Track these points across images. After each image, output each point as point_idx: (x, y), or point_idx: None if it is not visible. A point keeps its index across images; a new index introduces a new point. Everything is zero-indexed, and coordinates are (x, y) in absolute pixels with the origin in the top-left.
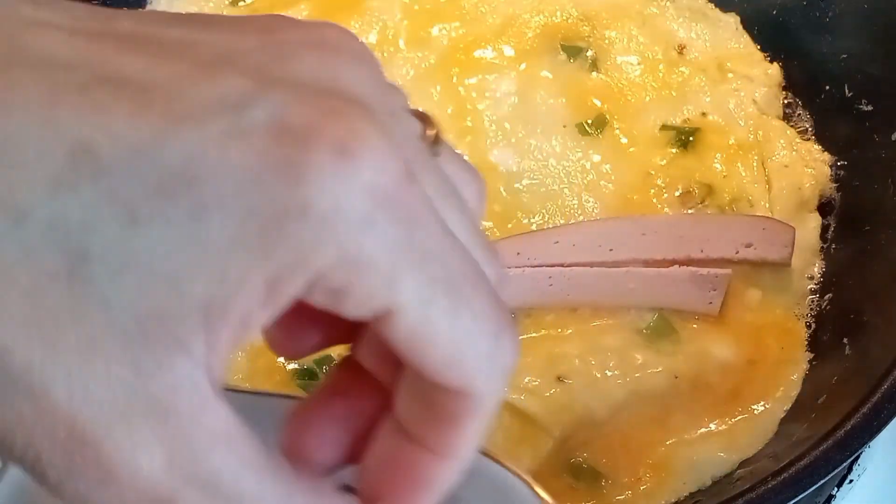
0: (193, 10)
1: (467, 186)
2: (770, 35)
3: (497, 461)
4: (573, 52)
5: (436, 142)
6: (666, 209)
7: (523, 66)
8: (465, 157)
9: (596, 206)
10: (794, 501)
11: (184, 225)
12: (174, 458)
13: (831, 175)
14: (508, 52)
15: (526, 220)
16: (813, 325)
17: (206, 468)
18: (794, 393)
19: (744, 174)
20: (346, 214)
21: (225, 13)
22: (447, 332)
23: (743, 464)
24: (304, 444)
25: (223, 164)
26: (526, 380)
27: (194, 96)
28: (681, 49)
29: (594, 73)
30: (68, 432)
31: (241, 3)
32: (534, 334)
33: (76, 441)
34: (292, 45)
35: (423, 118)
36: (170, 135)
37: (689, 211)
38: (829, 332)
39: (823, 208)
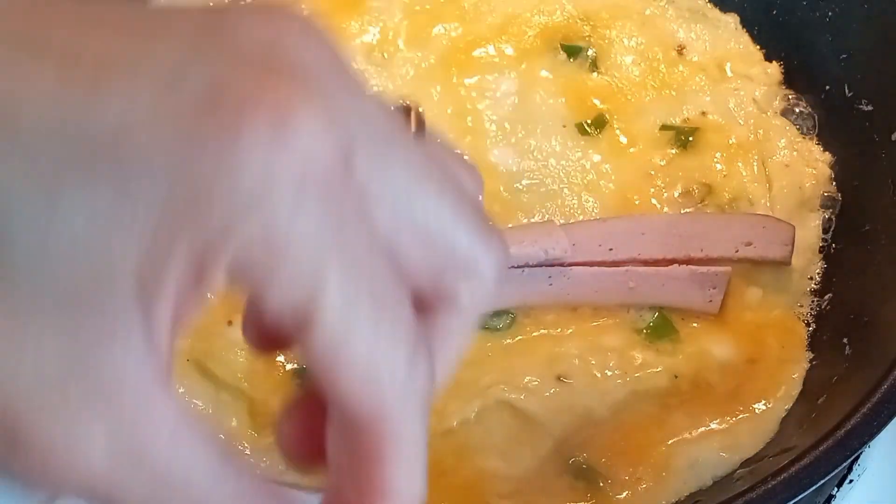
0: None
1: (459, 173)
2: (770, 35)
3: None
4: (573, 51)
5: (418, 130)
6: (665, 209)
7: (523, 65)
8: (466, 157)
9: (596, 205)
10: (794, 501)
11: (109, 199)
12: (118, 444)
13: (832, 175)
14: (508, 51)
15: (526, 220)
16: (813, 325)
17: (153, 457)
18: (795, 392)
19: (744, 173)
20: (274, 189)
21: None
22: (365, 347)
23: (743, 464)
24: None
25: (152, 134)
26: (526, 379)
27: (125, 63)
28: (680, 49)
29: (594, 73)
30: (2, 413)
31: (241, 2)
32: (534, 334)
33: (9, 422)
34: (238, 15)
35: (405, 109)
36: (97, 102)
37: (689, 210)
38: (829, 332)
39: (824, 208)
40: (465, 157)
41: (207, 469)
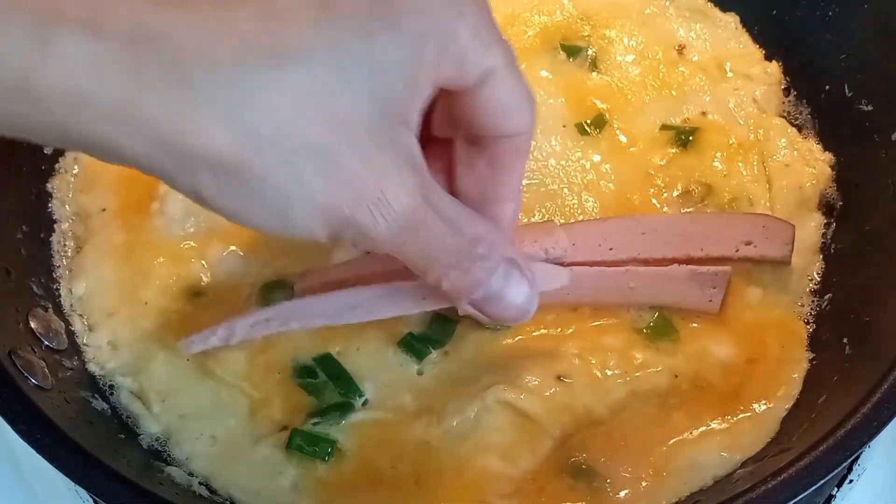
0: None
1: None
2: (770, 35)
3: None
4: (573, 51)
5: None
6: (665, 208)
7: (523, 65)
8: None
9: (596, 205)
10: (794, 501)
11: (391, 36)
12: (420, 186)
13: (832, 174)
14: None
15: (526, 220)
16: (813, 325)
17: (435, 199)
18: (796, 392)
19: (744, 173)
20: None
21: None
22: (520, 87)
23: (743, 464)
24: None
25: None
26: (526, 379)
27: None
28: (680, 49)
29: (594, 73)
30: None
31: None
32: (534, 334)
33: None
34: None
35: None
36: None
37: (689, 210)
38: (829, 332)
39: (824, 208)
40: None
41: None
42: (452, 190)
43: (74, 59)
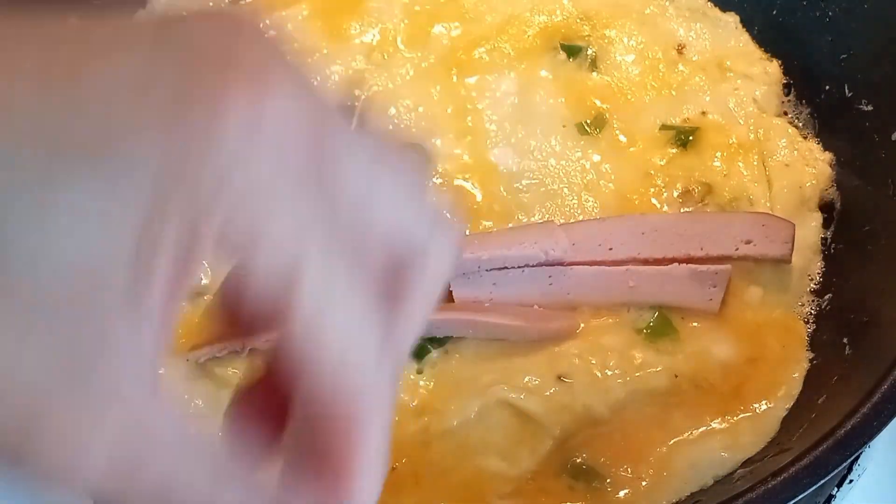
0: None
1: (405, 157)
2: (770, 34)
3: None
4: (573, 51)
5: (362, 124)
6: (665, 208)
7: (523, 65)
8: (466, 157)
9: (595, 205)
10: (794, 501)
11: (99, 192)
12: (119, 450)
13: (832, 174)
14: (508, 51)
15: (526, 220)
16: (813, 325)
17: (153, 463)
18: (796, 392)
19: (744, 173)
20: (256, 150)
21: None
22: (342, 325)
23: (743, 464)
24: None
25: (135, 127)
26: (526, 379)
27: (95, 73)
28: (680, 48)
29: (594, 73)
30: (15, 414)
31: (241, 2)
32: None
33: (22, 422)
34: (189, 24)
35: (349, 107)
36: (77, 107)
37: (689, 210)
38: (829, 332)
39: (824, 208)
40: (409, 144)
41: (207, 475)
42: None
43: None
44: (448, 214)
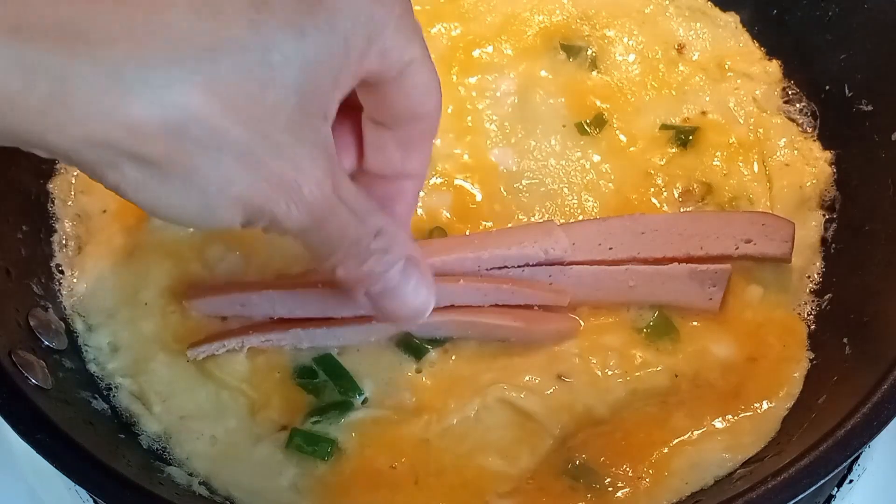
0: None
1: None
2: (770, 34)
3: None
4: (573, 51)
5: None
6: (665, 207)
7: (523, 65)
8: (466, 156)
9: (595, 205)
10: (794, 501)
11: (320, 34)
12: (331, 178)
13: (832, 174)
14: (508, 51)
15: (526, 220)
16: (813, 325)
17: (343, 190)
18: (796, 391)
19: (744, 172)
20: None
21: None
22: (433, 74)
23: (743, 464)
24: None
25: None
26: (526, 378)
27: None
28: (680, 48)
29: (594, 73)
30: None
31: None
32: None
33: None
34: None
35: None
36: None
37: (689, 209)
38: (829, 332)
39: (824, 208)
40: None
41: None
42: (359, 165)
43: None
44: None
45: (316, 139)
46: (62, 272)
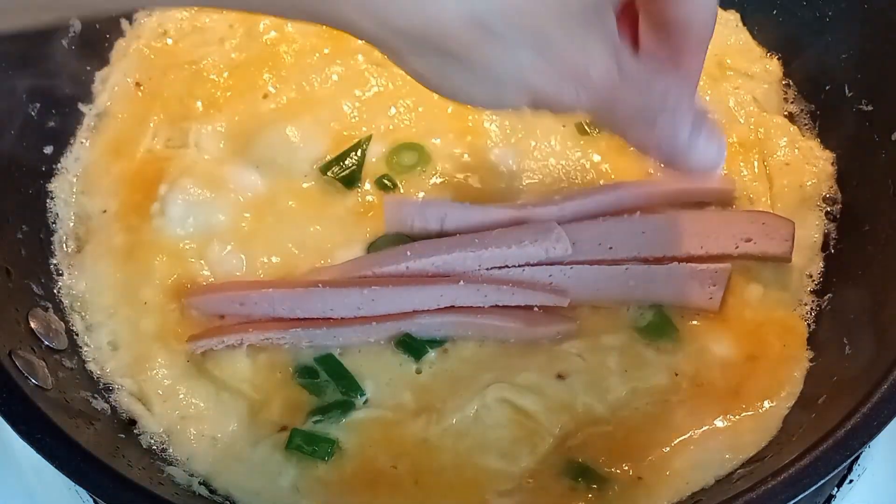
0: (185, 25)
1: None
2: (770, 34)
3: None
4: None
5: None
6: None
7: None
8: (466, 156)
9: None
10: (794, 501)
11: None
12: (615, 58)
13: (832, 173)
14: None
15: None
16: (813, 324)
17: (626, 65)
18: (797, 391)
19: (745, 172)
20: None
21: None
22: None
23: (744, 464)
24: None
25: None
26: (526, 377)
27: None
28: None
29: None
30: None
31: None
32: None
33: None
34: None
35: None
36: None
37: (689, 209)
38: (829, 332)
39: (824, 207)
40: None
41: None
42: (635, 47)
43: None
44: None
45: (602, 24)
46: (62, 272)
